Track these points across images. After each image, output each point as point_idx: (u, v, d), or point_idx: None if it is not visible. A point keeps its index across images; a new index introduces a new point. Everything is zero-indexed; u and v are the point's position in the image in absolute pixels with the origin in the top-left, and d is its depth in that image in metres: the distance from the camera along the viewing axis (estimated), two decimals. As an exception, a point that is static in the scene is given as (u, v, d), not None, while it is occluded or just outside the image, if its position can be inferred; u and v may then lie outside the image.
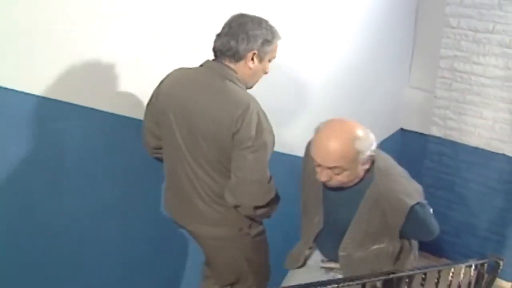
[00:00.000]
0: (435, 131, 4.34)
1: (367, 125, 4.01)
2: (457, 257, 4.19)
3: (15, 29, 1.94)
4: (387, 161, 2.33)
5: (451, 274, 2.64)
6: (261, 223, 2.49)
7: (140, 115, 2.43)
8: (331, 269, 2.48)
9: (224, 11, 2.56)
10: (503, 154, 4.02)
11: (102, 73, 2.26)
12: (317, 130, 2.14)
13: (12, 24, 1.93)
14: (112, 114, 2.36)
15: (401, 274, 2.30)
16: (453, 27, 3.96)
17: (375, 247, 2.31)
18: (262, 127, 2.17)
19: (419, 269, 2.47)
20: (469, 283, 2.81)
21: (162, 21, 2.42)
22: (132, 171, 2.55)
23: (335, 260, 2.41)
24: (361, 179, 2.21)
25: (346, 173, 2.11)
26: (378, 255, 2.33)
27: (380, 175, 2.22)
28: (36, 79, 2.02)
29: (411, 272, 2.35)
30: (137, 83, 2.42)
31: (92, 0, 2.16)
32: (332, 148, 2.07)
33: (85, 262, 2.47)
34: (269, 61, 2.27)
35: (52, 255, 2.34)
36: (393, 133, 4.45)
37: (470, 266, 2.76)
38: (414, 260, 2.49)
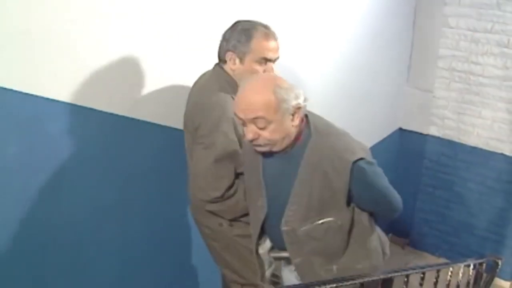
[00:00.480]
0: (433, 131, 4.34)
1: (365, 124, 4.08)
2: (455, 256, 4.20)
3: (15, 29, 1.95)
4: (325, 121, 2.17)
5: (449, 273, 2.64)
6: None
7: (139, 115, 2.44)
8: (280, 258, 2.34)
9: (224, 11, 2.58)
10: (502, 154, 4.02)
11: (101, 73, 2.26)
12: (239, 87, 2.05)
13: (12, 24, 1.94)
14: (112, 114, 2.36)
15: (399, 273, 2.30)
16: (451, 27, 3.97)
17: (322, 220, 2.11)
18: (219, 129, 2.29)
19: (418, 268, 2.47)
20: (468, 283, 2.81)
21: (163, 21, 2.42)
22: (131, 171, 2.55)
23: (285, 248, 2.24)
24: (296, 141, 2.07)
25: (272, 126, 1.96)
26: (327, 230, 2.13)
27: (318, 134, 2.08)
28: (35, 79, 2.03)
29: (410, 272, 2.35)
30: (137, 84, 2.42)
31: (92, 0, 2.17)
32: (251, 97, 1.95)
33: (84, 262, 2.48)
34: (261, 63, 2.32)
35: (51, 256, 2.34)
36: (391, 132, 4.46)
37: (469, 266, 2.76)
38: (381, 245, 2.33)
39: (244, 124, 2.01)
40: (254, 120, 1.96)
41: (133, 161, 2.54)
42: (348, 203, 2.12)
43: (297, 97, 1.98)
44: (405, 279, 2.34)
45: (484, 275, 2.84)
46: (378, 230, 2.33)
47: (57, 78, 2.12)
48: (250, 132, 1.99)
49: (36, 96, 2.07)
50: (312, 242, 2.16)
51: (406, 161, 4.62)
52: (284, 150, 2.07)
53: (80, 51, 2.18)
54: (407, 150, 4.57)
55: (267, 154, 2.12)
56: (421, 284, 2.48)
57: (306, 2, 3.13)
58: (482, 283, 2.85)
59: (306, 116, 2.10)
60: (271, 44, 2.31)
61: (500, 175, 4.10)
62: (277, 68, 2.45)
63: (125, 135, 2.47)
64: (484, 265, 2.80)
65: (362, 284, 2.13)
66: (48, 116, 2.15)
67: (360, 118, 3.90)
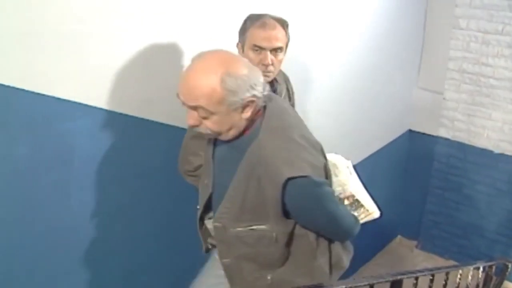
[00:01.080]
0: (443, 133, 4.33)
1: (374, 126, 4.06)
2: (465, 259, 4.18)
3: (24, 29, 1.95)
4: (287, 121, 1.93)
5: (459, 276, 2.63)
6: None
7: (148, 115, 2.44)
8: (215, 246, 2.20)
9: (234, 10, 2.58)
10: (512, 156, 4.02)
11: (112, 73, 2.27)
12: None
13: (22, 24, 1.94)
14: (121, 114, 2.36)
15: (408, 276, 2.30)
16: (462, 29, 3.96)
17: (256, 227, 1.92)
18: None
19: (427, 270, 2.47)
20: (477, 286, 2.80)
21: (173, 21, 2.42)
22: (141, 171, 2.55)
23: None
24: (245, 132, 1.85)
25: (214, 118, 1.73)
26: (260, 239, 1.94)
27: (266, 134, 1.82)
28: (46, 79, 2.03)
29: (419, 274, 2.34)
30: (148, 84, 2.42)
31: (101, 0, 2.17)
32: (192, 82, 1.68)
33: (93, 261, 2.48)
34: (255, 50, 2.28)
35: (60, 255, 2.35)
36: (401, 134, 4.45)
37: (478, 268, 2.74)
38: (332, 262, 2.14)
39: (183, 103, 1.76)
40: (194, 108, 1.72)
41: (143, 161, 2.54)
42: (287, 216, 1.90)
43: (252, 88, 1.72)
44: (415, 281, 2.33)
45: (494, 278, 2.82)
46: (335, 246, 2.15)
47: (68, 78, 2.12)
48: (190, 118, 1.76)
49: (47, 96, 2.08)
50: (243, 247, 1.99)
51: (415, 163, 4.61)
52: (230, 140, 1.87)
53: (91, 51, 2.18)
54: (417, 152, 4.56)
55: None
56: (430, 287, 2.47)
57: (316, 3, 3.13)
58: (491, 286, 2.83)
59: (265, 106, 1.87)
60: (266, 32, 2.27)
61: (510, 177, 4.09)
62: (287, 69, 2.46)
63: (136, 135, 2.47)
64: (494, 267, 2.78)
65: (371, 286, 2.12)
66: (58, 116, 2.15)
67: (370, 119, 3.90)
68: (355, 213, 2.12)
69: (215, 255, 2.26)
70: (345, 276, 2.32)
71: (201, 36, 2.53)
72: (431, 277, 2.46)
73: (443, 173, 4.44)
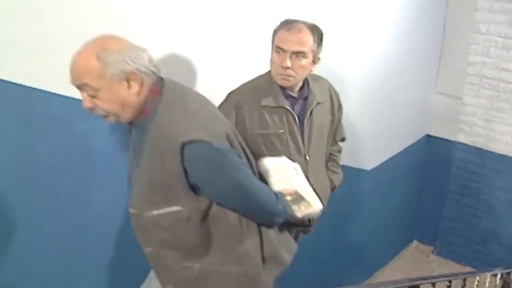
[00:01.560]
0: (461, 138, 4.30)
1: (392, 130, 4.04)
2: (482, 265, 4.14)
3: (44, 30, 1.98)
4: (187, 95, 1.92)
5: (476, 282, 2.62)
6: None
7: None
8: None
9: (263, 14, 2.58)
10: (531, 162, 3.99)
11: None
12: None
13: (42, 25, 1.97)
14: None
15: (425, 281, 2.29)
16: (482, 33, 3.93)
17: (168, 209, 1.87)
18: None
19: (444, 276, 2.46)
20: (495, 292, 2.79)
21: (187, 20, 2.43)
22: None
23: None
24: (144, 113, 1.84)
25: (101, 95, 1.74)
26: (176, 221, 1.88)
27: (164, 108, 1.82)
28: (64, 79, 2.05)
29: (436, 280, 2.33)
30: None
31: (117, 1, 2.19)
32: (74, 63, 1.74)
33: (112, 261, 2.50)
34: (277, 52, 2.28)
35: (80, 254, 2.37)
36: (419, 139, 4.43)
37: (496, 275, 2.73)
38: (264, 250, 2.05)
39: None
40: (82, 87, 1.76)
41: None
42: (196, 191, 1.86)
43: (132, 61, 1.74)
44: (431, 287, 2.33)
45: (512, 285, 2.81)
46: (268, 232, 2.07)
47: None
48: (84, 101, 1.78)
49: (67, 97, 2.10)
50: (160, 232, 1.93)
51: (433, 167, 4.59)
52: (133, 122, 1.87)
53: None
54: (434, 157, 4.54)
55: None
56: (447, 293, 2.46)
57: (334, 8, 3.13)
58: (509, 293, 2.82)
59: (162, 86, 1.86)
60: (290, 34, 2.26)
61: (529, 184, 4.05)
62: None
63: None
64: (512, 275, 2.77)
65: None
66: (78, 117, 2.17)
67: (388, 123, 3.88)
68: (295, 206, 2.13)
69: None
70: (359, 279, 2.30)
71: (216, 38, 2.54)
72: (448, 284, 2.45)
73: (460, 178, 4.41)
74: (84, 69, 1.72)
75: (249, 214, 1.99)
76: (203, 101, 1.96)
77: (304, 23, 2.29)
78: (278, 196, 2.02)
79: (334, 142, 2.69)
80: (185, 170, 1.78)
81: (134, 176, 1.98)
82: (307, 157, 2.45)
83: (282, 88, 2.37)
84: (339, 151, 2.75)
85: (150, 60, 1.81)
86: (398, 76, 3.82)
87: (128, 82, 1.76)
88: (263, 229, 2.05)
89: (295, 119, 2.40)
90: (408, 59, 3.88)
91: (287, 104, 2.38)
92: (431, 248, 4.76)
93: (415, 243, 4.89)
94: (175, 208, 1.86)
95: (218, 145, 1.79)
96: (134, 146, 1.98)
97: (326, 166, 2.65)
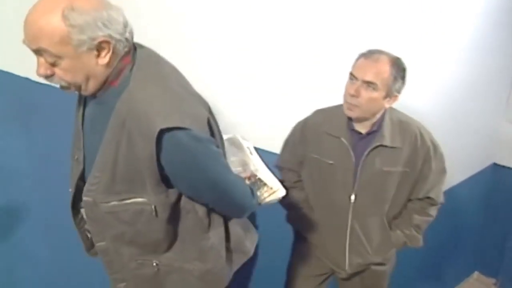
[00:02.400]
0: (530, 168, 4.17)
1: (459, 158, 3.95)
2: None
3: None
4: (164, 67, 1.66)
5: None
6: None
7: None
8: None
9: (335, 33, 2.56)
10: None
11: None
12: None
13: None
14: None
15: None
16: (556, 62, 3.82)
17: (131, 200, 1.64)
18: None
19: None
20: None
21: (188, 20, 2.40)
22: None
23: None
24: (111, 84, 1.58)
25: (63, 64, 1.46)
26: (139, 214, 1.66)
27: (137, 81, 1.56)
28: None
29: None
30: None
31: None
32: (32, 22, 1.41)
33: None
34: (350, 78, 2.22)
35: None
36: (485, 167, 4.31)
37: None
38: (229, 244, 1.92)
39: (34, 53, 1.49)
40: (38, 52, 1.46)
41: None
42: (167, 183, 1.64)
43: (105, 26, 1.46)
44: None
45: None
46: (232, 225, 1.93)
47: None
48: (40, 66, 1.48)
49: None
50: (119, 225, 1.69)
51: (498, 197, 4.44)
52: (94, 94, 1.60)
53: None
54: (501, 187, 4.39)
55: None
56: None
57: (404, 36, 3.10)
58: None
59: (134, 53, 1.61)
60: (364, 62, 2.18)
61: None
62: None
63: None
64: None
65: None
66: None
67: (453, 149, 3.78)
68: (258, 193, 1.94)
69: None
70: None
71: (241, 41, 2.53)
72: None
73: (527, 209, 4.27)
74: (44, 30, 1.41)
75: (221, 209, 1.81)
76: (180, 76, 1.71)
77: (386, 54, 2.19)
78: (253, 190, 1.88)
79: (416, 199, 2.46)
80: (158, 159, 1.54)
81: (88, 156, 1.72)
82: (352, 197, 2.35)
83: (350, 119, 2.29)
84: (418, 212, 2.46)
85: (126, 24, 1.54)
86: (466, 103, 3.74)
87: (98, 50, 1.49)
88: (228, 218, 1.91)
89: (350, 155, 2.31)
90: (478, 87, 3.80)
91: (345, 137, 2.30)
92: (493, 280, 4.60)
93: (476, 274, 4.74)
94: (138, 200, 1.64)
95: (200, 134, 1.57)
96: (88, 123, 1.73)
97: (393, 220, 2.49)
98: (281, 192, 2.00)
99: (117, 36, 1.50)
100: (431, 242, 3.92)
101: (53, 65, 1.47)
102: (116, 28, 1.49)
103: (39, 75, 1.49)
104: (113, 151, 1.57)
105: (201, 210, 1.76)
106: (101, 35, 1.46)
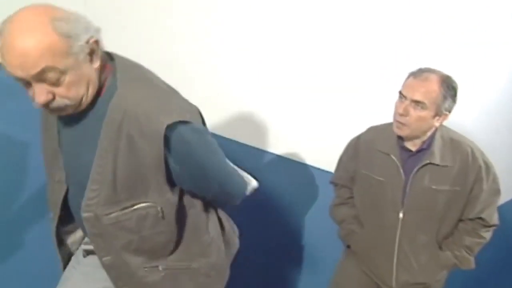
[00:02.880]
0: None
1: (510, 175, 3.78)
2: None
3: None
4: (145, 70, 1.63)
5: None
6: None
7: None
8: (93, 252, 1.83)
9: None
10: None
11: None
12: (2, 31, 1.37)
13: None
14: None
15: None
16: None
17: (136, 206, 1.62)
18: None
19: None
20: None
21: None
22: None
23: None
24: (99, 94, 1.54)
25: (68, 79, 1.42)
26: (144, 219, 1.65)
27: (124, 84, 1.52)
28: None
29: None
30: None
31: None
32: (23, 44, 1.33)
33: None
34: (399, 97, 2.24)
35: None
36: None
37: None
38: (222, 235, 1.93)
39: (27, 85, 1.42)
40: (41, 77, 1.39)
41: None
42: (171, 182, 1.63)
43: (87, 29, 1.43)
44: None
45: None
46: (222, 217, 1.93)
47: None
48: (40, 94, 1.41)
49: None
50: (124, 235, 1.67)
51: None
52: (81, 111, 1.55)
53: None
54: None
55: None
56: None
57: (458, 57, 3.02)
58: None
59: (110, 59, 1.59)
60: (413, 81, 2.19)
61: None
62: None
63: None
64: None
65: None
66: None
67: (503, 167, 3.66)
68: None
69: (79, 257, 1.95)
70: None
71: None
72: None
73: None
74: (43, 50, 1.35)
75: (221, 198, 1.83)
76: (158, 77, 1.69)
77: (436, 73, 2.19)
78: (244, 177, 1.91)
79: (467, 219, 2.40)
80: (165, 158, 1.55)
81: (73, 174, 1.70)
82: (401, 215, 2.35)
83: (400, 137, 2.31)
84: (469, 233, 2.41)
85: (96, 29, 1.50)
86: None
87: (90, 55, 1.47)
88: (219, 211, 1.93)
89: (399, 172, 2.32)
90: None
91: (395, 154, 2.33)
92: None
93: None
94: (142, 205, 1.62)
95: (199, 126, 1.60)
96: (67, 143, 1.68)
97: (443, 240, 2.44)
98: (254, 182, 2.01)
99: (97, 35, 1.48)
100: (484, 265, 3.77)
101: (55, 84, 1.42)
102: (93, 28, 1.47)
103: (39, 104, 1.43)
104: (111, 160, 1.54)
105: (199, 204, 1.77)
106: (89, 37, 1.44)
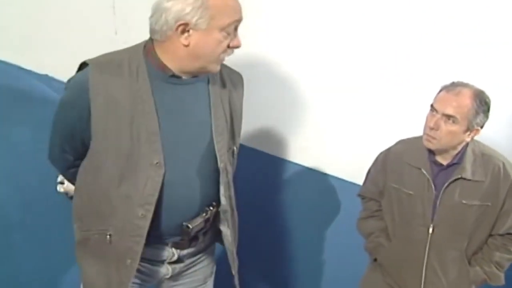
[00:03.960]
0: None
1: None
2: None
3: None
4: None
5: None
6: None
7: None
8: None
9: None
10: None
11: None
12: None
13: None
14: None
15: None
16: None
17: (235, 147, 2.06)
18: None
19: None
20: None
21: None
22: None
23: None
24: None
25: None
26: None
27: None
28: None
29: None
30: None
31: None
32: None
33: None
34: (431, 110, 2.23)
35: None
36: None
37: None
38: None
39: (234, 31, 1.77)
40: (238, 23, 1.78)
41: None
42: None
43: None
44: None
45: None
46: None
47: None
48: (239, 39, 1.81)
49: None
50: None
51: None
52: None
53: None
54: None
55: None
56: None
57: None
58: None
59: None
60: (445, 95, 2.20)
61: None
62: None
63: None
64: None
65: None
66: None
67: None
68: None
69: None
70: None
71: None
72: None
73: None
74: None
75: None
76: None
77: (469, 87, 2.19)
78: None
79: (498, 235, 2.37)
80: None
81: (174, 142, 1.80)
82: (430, 230, 2.32)
83: (431, 151, 2.30)
84: (499, 249, 2.37)
85: None
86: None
87: None
88: None
89: (430, 186, 2.30)
90: None
91: (426, 168, 2.31)
92: None
93: None
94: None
95: None
96: (174, 104, 1.82)
97: (473, 255, 2.41)
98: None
99: None
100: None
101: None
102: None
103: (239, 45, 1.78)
104: (222, 110, 1.86)
105: None
106: None
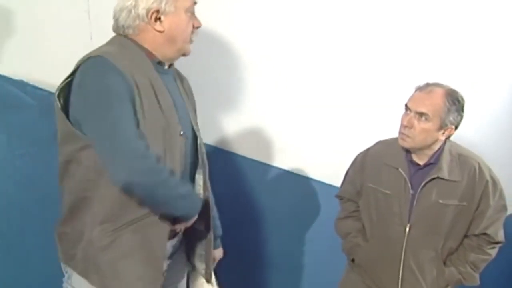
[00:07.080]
0: None
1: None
2: None
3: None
4: None
5: None
6: None
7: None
8: None
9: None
10: None
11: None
12: None
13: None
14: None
15: None
16: None
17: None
18: None
19: None
20: None
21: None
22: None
23: None
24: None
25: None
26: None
27: None
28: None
29: None
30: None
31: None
32: None
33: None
34: (405, 109, 2.28)
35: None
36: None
37: None
38: None
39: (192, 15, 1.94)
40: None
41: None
42: None
43: None
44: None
45: None
46: None
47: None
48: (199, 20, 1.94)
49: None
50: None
51: None
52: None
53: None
54: None
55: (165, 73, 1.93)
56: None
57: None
58: None
59: None
60: (418, 94, 2.26)
61: None
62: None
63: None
64: None
65: None
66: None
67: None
68: None
69: None
70: None
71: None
72: None
73: None
74: None
75: None
76: None
77: (442, 86, 2.24)
78: None
79: (473, 235, 2.39)
80: None
81: (186, 119, 1.96)
82: (407, 229, 2.35)
83: (408, 151, 2.34)
84: (473, 249, 2.39)
85: None
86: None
87: None
88: None
89: (407, 186, 2.33)
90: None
91: (403, 168, 2.34)
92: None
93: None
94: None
95: None
96: (170, 89, 1.91)
97: (448, 256, 2.43)
98: None
99: None
100: (488, 281, 3.73)
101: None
102: None
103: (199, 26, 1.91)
104: (188, 101, 2.05)
105: None
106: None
